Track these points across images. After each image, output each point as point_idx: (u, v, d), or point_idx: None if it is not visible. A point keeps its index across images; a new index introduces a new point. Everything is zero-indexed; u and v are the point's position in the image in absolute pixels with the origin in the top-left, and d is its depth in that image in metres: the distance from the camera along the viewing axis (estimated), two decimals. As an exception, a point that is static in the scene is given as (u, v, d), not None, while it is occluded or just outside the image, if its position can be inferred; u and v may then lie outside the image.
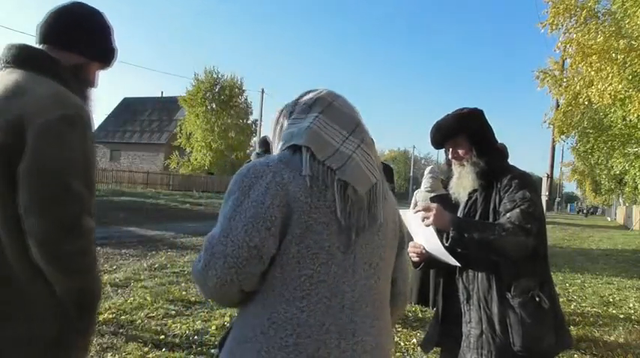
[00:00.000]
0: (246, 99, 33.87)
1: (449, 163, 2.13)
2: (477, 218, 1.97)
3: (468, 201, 2.04)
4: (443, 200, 2.13)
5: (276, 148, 1.29)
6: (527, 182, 1.95)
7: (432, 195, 4.18)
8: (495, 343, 1.86)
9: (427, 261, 2.06)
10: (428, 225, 1.88)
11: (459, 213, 2.06)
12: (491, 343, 1.87)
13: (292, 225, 1.08)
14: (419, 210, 1.91)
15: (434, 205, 1.88)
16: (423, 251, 2.02)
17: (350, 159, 1.17)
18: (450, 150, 2.07)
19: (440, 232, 1.90)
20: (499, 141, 2.12)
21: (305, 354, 1.05)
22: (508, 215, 1.85)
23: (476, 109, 2.08)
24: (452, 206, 2.09)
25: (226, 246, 1.05)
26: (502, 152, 2.11)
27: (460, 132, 2.02)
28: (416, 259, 2.08)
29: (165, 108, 38.85)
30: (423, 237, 1.99)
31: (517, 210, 1.85)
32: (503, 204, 1.91)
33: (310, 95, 1.29)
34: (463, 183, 2.03)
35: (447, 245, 1.87)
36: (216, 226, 1.11)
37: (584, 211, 61.16)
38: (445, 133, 2.05)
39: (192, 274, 1.14)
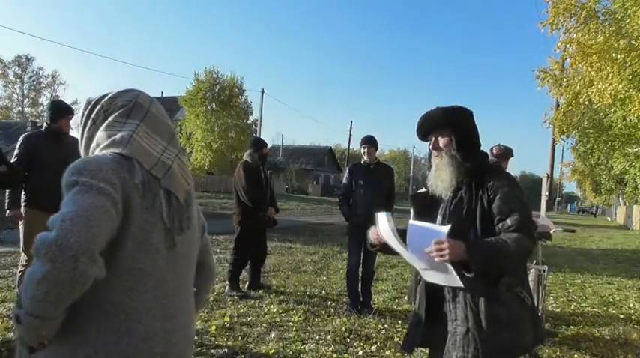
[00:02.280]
0: (246, 99, 33.89)
1: (429, 155, 2.17)
2: (463, 216, 1.97)
3: (452, 199, 2.03)
4: (422, 197, 2.16)
5: (93, 146, 1.36)
6: (515, 182, 2.02)
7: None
8: (482, 340, 1.88)
9: (384, 246, 2.10)
10: (443, 261, 1.81)
11: (442, 211, 2.06)
12: (477, 340, 1.89)
13: (128, 222, 1.20)
14: (430, 251, 1.81)
15: (443, 239, 1.80)
16: (382, 238, 2.04)
17: (170, 169, 1.34)
18: (432, 140, 2.10)
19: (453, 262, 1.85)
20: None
21: (135, 337, 1.22)
22: (509, 222, 1.89)
23: (466, 108, 2.13)
24: (432, 201, 2.11)
25: (88, 219, 1.08)
26: (484, 154, 2.15)
27: (446, 125, 2.06)
28: (375, 242, 2.12)
29: (165, 108, 37.94)
30: (423, 260, 1.91)
31: (517, 215, 1.89)
32: (497, 206, 1.93)
33: (127, 97, 1.40)
34: (441, 175, 2.05)
35: (470, 275, 1.83)
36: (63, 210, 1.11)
37: (594, 212, 58.16)
38: (431, 124, 2.10)
39: (37, 249, 1.05)
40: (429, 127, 2.11)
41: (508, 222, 1.89)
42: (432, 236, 1.84)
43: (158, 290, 1.27)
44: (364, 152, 5.27)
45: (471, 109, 2.13)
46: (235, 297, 5.42)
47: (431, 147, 2.11)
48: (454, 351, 1.93)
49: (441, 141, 2.07)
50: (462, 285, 1.85)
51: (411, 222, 1.99)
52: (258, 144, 6.07)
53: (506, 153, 4.66)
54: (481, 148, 2.13)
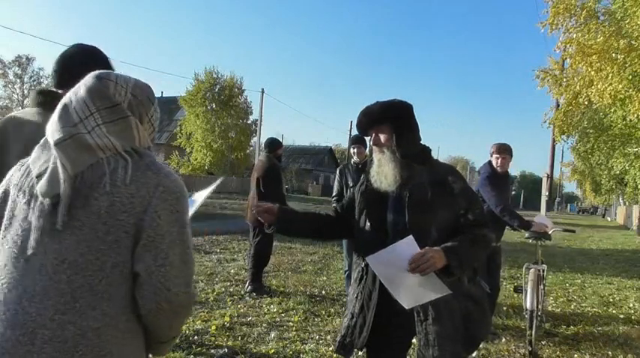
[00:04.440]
0: (246, 99, 33.93)
1: (371, 151, 2.16)
2: (423, 213, 1.93)
3: (408, 196, 1.97)
4: (372, 193, 2.08)
5: None
6: (461, 175, 2.10)
7: None
8: (457, 336, 1.90)
9: (280, 224, 2.14)
10: (429, 272, 1.78)
11: (392, 208, 2.01)
12: (453, 335, 1.89)
13: (3, 211, 1.23)
14: (414, 266, 1.77)
15: (425, 250, 1.78)
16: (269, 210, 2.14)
17: (50, 165, 1.20)
18: (373, 135, 2.09)
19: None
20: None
21: None
22: (471, 216, 1.96)
23: (406, 102, 2.11)
24: (379, 196, 2.05)
25: None
26: (427, 148, 2.13)
27: (386, 120, 2.05)
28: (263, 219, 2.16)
29: (165, 108, 38.71)
30: (405, 281, 1.83)
31: (477, 210, 2.00)
32: (457, 202, 1.96)
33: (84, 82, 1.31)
34: (384, 171, 2.03)
35: (450, 280, 1.83)
36: None
37: (602, 213, 55.40)
38: (371, 118, 2.08)
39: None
40: (367, 122, 2.08)
41: (470, 216, 1.95)
42: (404, 253, 1.78)
43: (12, 292, 1.16)
44: (354, 152, 5.16)
45: (410, 103, 2.11)
46: (235, 297, 5.42)
47: (371, 142, 2.10)
48: (428, 351, 1.90)
49: (382, 137, 2.05)
50: (450, 292, 1.79)
51: (369, 257, 1.90)
52: (273, 145, 6.00)
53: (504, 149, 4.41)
54: (422, 142, 2.12)
